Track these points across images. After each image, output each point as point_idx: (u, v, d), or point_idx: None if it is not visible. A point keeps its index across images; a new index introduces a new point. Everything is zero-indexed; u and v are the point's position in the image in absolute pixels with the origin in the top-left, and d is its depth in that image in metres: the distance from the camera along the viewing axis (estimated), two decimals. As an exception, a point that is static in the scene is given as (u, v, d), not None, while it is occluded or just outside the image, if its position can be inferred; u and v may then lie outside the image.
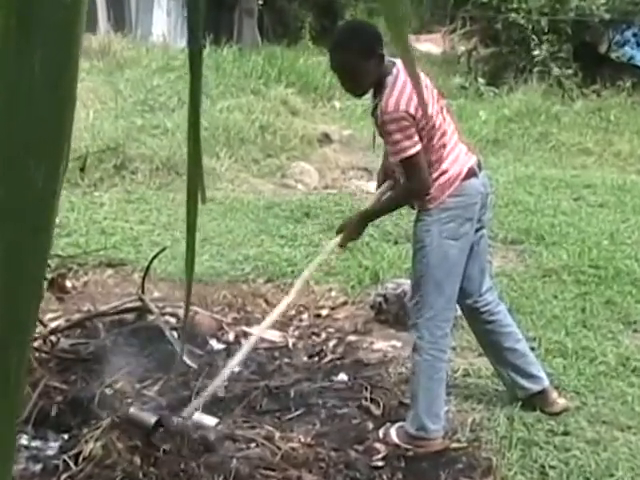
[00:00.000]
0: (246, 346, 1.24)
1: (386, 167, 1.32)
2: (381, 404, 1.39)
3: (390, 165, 1.30)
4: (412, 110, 1.14)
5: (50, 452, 1.19)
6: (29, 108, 0.35)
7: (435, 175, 1.22)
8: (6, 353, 0.37)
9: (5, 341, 0.37)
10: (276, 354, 1.62)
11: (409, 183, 1.19)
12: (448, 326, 1.28)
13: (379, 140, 1.26)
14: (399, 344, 1.66)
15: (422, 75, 1.20)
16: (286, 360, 1.59)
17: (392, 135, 1.15)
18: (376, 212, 1.28)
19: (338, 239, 1.25)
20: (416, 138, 1.16)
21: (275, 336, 1.71)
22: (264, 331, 1.17)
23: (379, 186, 1.31)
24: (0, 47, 0.35)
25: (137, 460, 1.15)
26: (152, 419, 1.19)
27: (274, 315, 1.20)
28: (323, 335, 1.71)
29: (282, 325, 1.77)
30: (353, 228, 1.25)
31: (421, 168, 1.17)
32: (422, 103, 0.37)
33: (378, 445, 1.27)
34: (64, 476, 1.12)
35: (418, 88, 0.46)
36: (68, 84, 0.37)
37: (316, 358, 1.56)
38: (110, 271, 2.03)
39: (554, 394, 1.38)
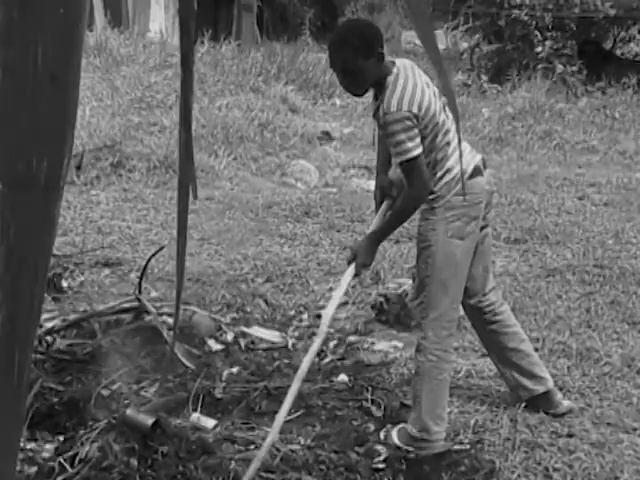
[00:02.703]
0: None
1: (382, 186, 1.29)
2: (382, 405, 1.38)
3: (385, 181, 1.28)
4: (415, 109, 1.13)
5: (46, 454, 1.17)
6: (31, 102, 0.34)
7: (440, 174, 1.21)
8: (10, 351, 0.35)
9: (9, 339, 0.35)
10: (275, 355, 1.61)
11: (410, 189, 1.17)
12: (453, 326, 1.27)
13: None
14: (400, 345, 1.65)
15: (422, 72, 1.20)
16: (285, 361, 1.57)
17: (395, 136, 1.13)
18: (384, 231, 1.23)
19: (352, 269, 1.19)
20: (418, 140, 1.14)
21: (274, 336, 1.69)
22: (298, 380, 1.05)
23: (377, 207, 1.28)
24: (3, 40, 0.34)
25: (134, 462, 1.14)
26: (149, 421, 1.18)
27: (305, 364, 1.08)
28: (323, 335, 1.70)
29: (282, 325, 1.76)
30: (365, 253, 1.19)
31: (422, 172, 1.15)
32: (452, 101, 0.34)
33: (379, 447, 1.26)
34: (60, 478, 1.11)
35: (447, 85, 0.43)
36: (71, 77, 0.35)
37: (316, 359, 1.54)
38: (107, 271, 2.01)
39: (558, 395, 1.36)
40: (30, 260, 0.37)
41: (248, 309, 1.82)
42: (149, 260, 1.73)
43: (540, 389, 1.34)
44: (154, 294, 1.82)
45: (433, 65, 0.36)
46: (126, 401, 1.31)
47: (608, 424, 1.32)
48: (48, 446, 1.18)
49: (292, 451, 1.21)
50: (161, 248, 1.81)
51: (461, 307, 1.31)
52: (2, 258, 0.36)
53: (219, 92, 3.95)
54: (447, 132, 1.20)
